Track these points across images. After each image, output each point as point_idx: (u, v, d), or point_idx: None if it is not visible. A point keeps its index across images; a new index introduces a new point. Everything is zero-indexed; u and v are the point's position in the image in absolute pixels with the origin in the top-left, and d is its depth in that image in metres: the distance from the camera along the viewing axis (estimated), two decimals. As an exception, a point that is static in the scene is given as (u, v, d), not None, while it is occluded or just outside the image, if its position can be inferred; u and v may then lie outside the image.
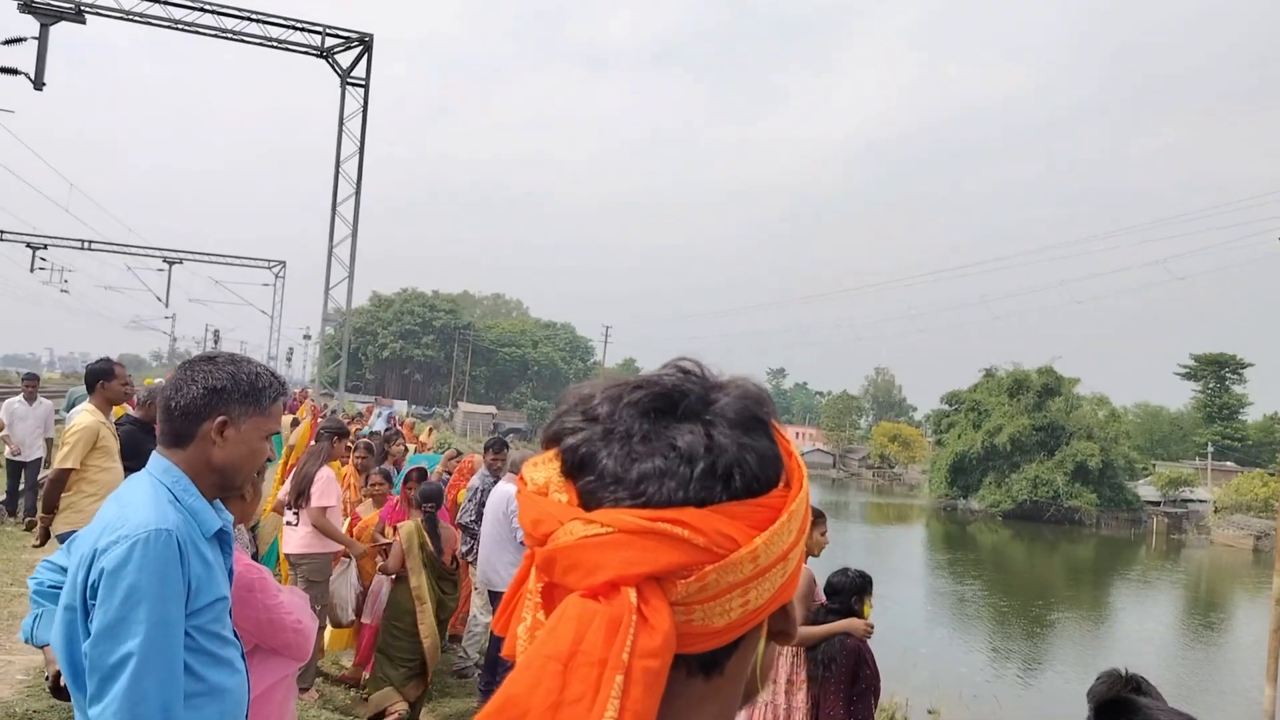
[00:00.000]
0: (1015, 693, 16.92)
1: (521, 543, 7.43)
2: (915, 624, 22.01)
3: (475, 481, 8.45)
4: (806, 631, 5.16)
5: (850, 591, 5.21)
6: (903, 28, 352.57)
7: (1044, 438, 58.76)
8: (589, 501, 0.70)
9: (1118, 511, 57.03)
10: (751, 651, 0.77)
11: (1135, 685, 2.83)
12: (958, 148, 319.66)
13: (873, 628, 5.16)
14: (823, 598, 5.34)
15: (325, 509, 6.65)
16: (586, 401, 0.76)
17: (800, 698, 5.23)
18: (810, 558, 5.50)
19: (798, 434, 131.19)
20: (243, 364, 2.27)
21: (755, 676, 0.80)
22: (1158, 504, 58.55)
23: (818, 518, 5.52)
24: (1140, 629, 24.72)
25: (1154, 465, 67.11)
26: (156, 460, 2.18)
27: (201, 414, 2.17)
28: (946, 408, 72.64)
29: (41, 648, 2.49)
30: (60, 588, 2.30)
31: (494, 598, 7.52)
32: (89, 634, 1.92)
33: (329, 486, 6.72)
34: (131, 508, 2.02)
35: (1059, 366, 62.56)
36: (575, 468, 0.72)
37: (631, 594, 0.65)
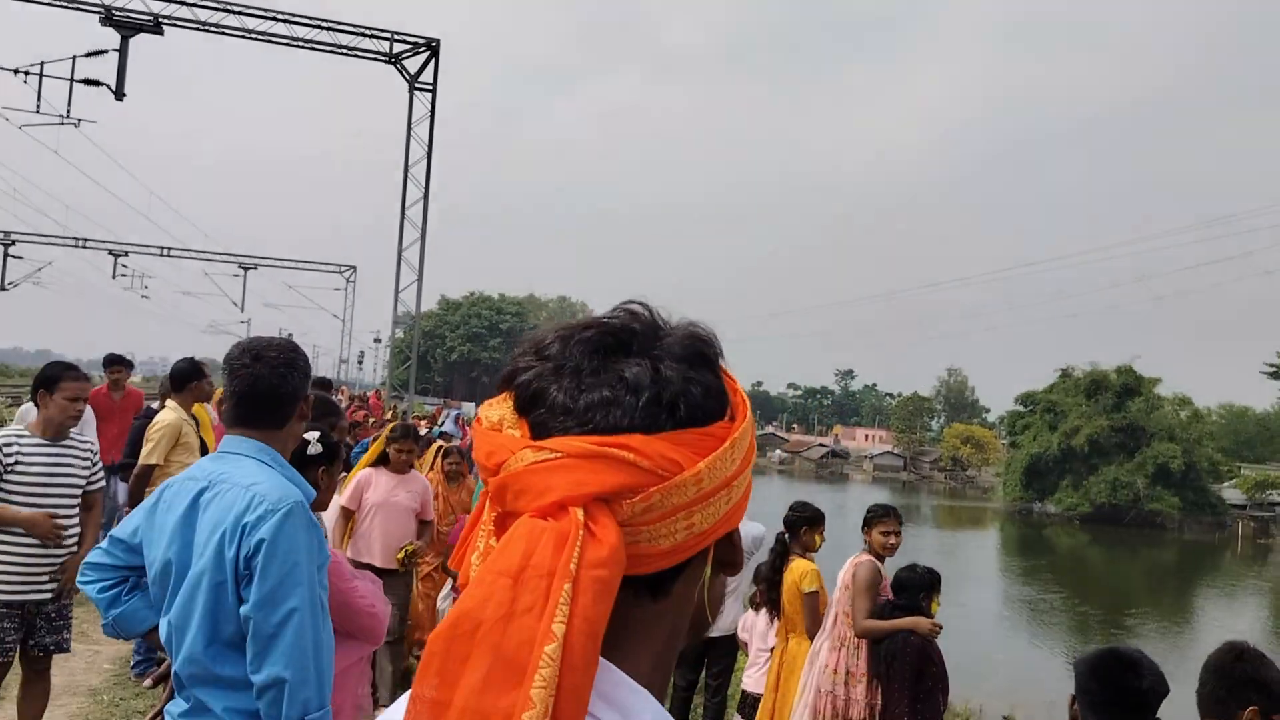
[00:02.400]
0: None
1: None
2: (991, 629, 21.59)
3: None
4: (871, 625, 5.10)
5: (918, 588, 5.13)
6: (975, 22, 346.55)
7: (1123, 439, 57.32)
8: (539, 433, 0.74)
9: (1201, 515, 55.41)
10: (697, 577, 0.81)
11: (1238, 653, 2.80)
12: (1031, 141, 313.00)
13: (940, 627, 5.05)
14: (890, 593, 5.25)
15: (345, 509, 6.12)
16: (539, 342, 0.80)
17: (860, 690, 5.20)
18: (886, 557, 5.41)
19: (867, 436, 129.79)
20: (294, 346, 2.54)
21: (704, 608, 0.85)
22: (1243, 507, 56.73)
23: (883, 515, 5.44)
24: (1227, 637, 23.89)
25: (1239, 467, 64.95)
26: (244, 442, 2.37)
27: (298, 396, 2.43)
28: (1021, 409, 71.07)
29: (134, 637, 2.60)
30: (117, 580, 2.44)
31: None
32: (242, 601, 2.14)
33: (352, 489, 6.18)
34: (263, 484, 2.23)
35: (1139, 365, 61.00)
36: (527, 403, 0.76)
37: (579, 513, 0.69)
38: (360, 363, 69.97)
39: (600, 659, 0.69)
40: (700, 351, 0.79)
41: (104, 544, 2.48)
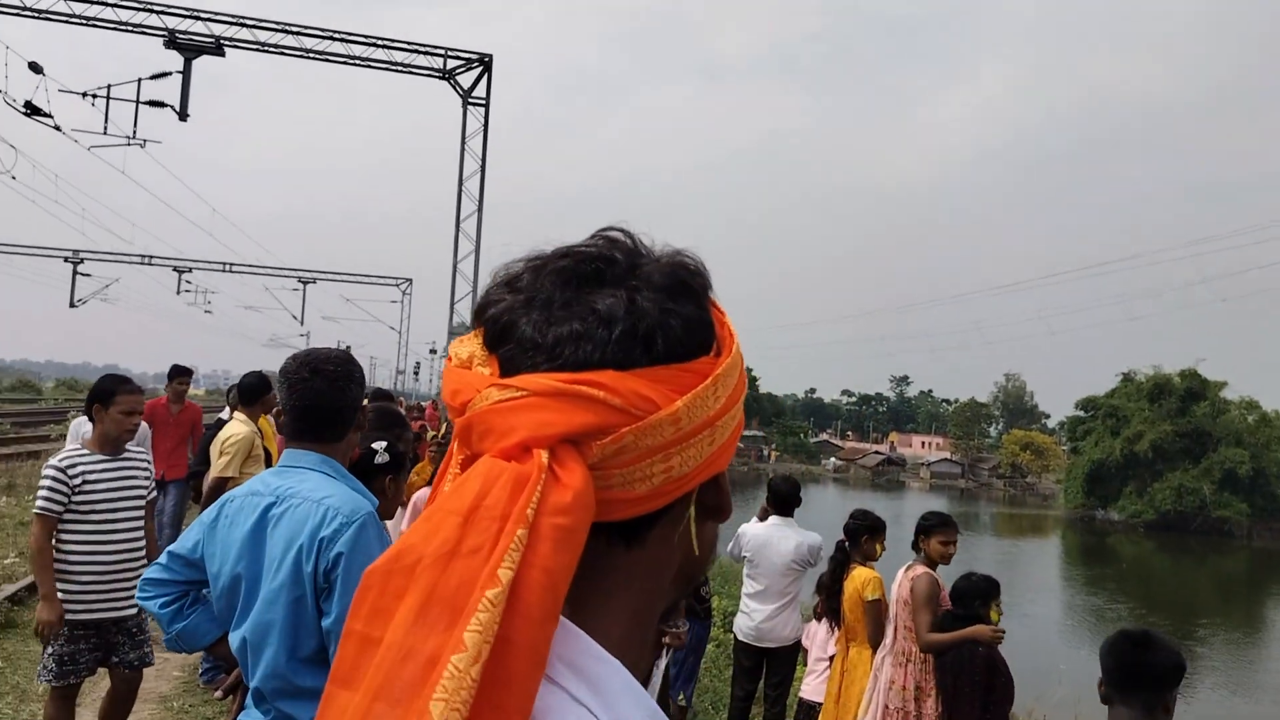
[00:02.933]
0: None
1: None
2: (1053, 640, 21.18)
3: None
4: (933, 638, 5.03)
5: (976, 596, 5.00)
6: (1025, 21, 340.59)
7: (1188, 444, 56.01)
8: (508, 369, 0.70)
9: (1272, 522, 53.85)
10: (678, 525, 0.75)
11: None
12: (1089, 143, 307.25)
13: (1003, 633, 4.98)
14: (949, 603, 5.18)
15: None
16: (511, 274, 0.75)
17: (929, 705, 5.13)
18: (940, 565, 5.35)
19: (924, 443, 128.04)
20: (349, 357, 2.57)
21: (696, 556, 0.78)
22: (1317, 514, 55.01)
23: (942, 525, 5.39)
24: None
25: (1312, 473, 63.05)
26: (306, 455, 2.40)
27: (355, 407, 2.47)
28: (1082, 414, 69.67)
29: (197, 650, 2.67)
30: (178, 594, 2.48)
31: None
32: (322, 613, 2.19)
33: (410, 513, 6.12)
34: (335, 497, 2.26)
35: (1203, 369, 59.55)
36: (496, 338, 0.71)
37: (543, 455, 0.64)
38: (416, 374, 70.69)
39: (568, 623, 0.67)
40: (683, 280, 0.74)
41: (162, 559, 2.51)
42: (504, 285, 0.74)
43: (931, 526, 5.41)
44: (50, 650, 4.39)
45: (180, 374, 9.40)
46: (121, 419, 4.48)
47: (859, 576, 5.64)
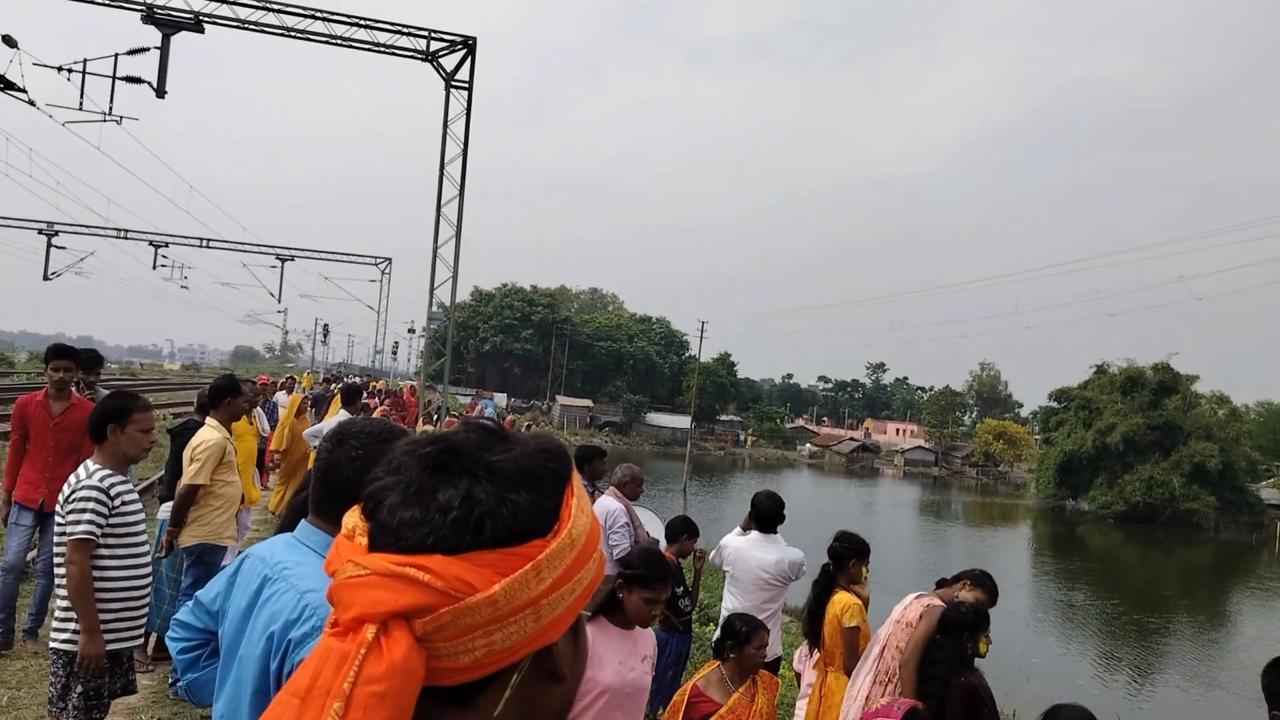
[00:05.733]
0: (1134, 706, 16.32)
1: (617, 560, 7.23)
2: (1024, 632, 21.41)
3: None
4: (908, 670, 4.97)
5: (963, 628, 4.84)
6: (1013, 11, 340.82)
7: (1159, 437, 56.65)
8: (371, 546, 0.79)
9: (1238, 515, 54.75)
10: (505, 690, 0.82)
11: None
12: (1070, 136, 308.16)
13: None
14: None
15: None
16: (394, 455, 0.85)
17: None
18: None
19: (898, 430, 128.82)
20: (386, 434, 2.33)
21: (536, 714, 0.85)
22: (1281, 508, 55.89)
23: (994, 592, 5.24)
24: (1262, 637, 23.59)
25: (1278, 467, 63.97)
26: (315, 534, 2.22)
27: None
28: (1055, 405, 70.36)
29: (206, 705, 2.61)
30: (199, 643, 2.43)
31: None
32: None
33: None
34: (317, 594, 2.03)
35: (1176, 363, 60.27)
36: (368, 515, 0.82)
37: (369, 630, 0.73)
38: (394, 353, 70.38)
39: None
40: (530, 470, 0.82)
41: (190, 604, 2.41)
42: (387, 463, 0.85)
43: (984, 584, 5.29)
44: (79, 689, 4.04)
45: (59, 355, 6.53)
46: (140, 437, 4.24)
47: (839, 602, 5.61)
